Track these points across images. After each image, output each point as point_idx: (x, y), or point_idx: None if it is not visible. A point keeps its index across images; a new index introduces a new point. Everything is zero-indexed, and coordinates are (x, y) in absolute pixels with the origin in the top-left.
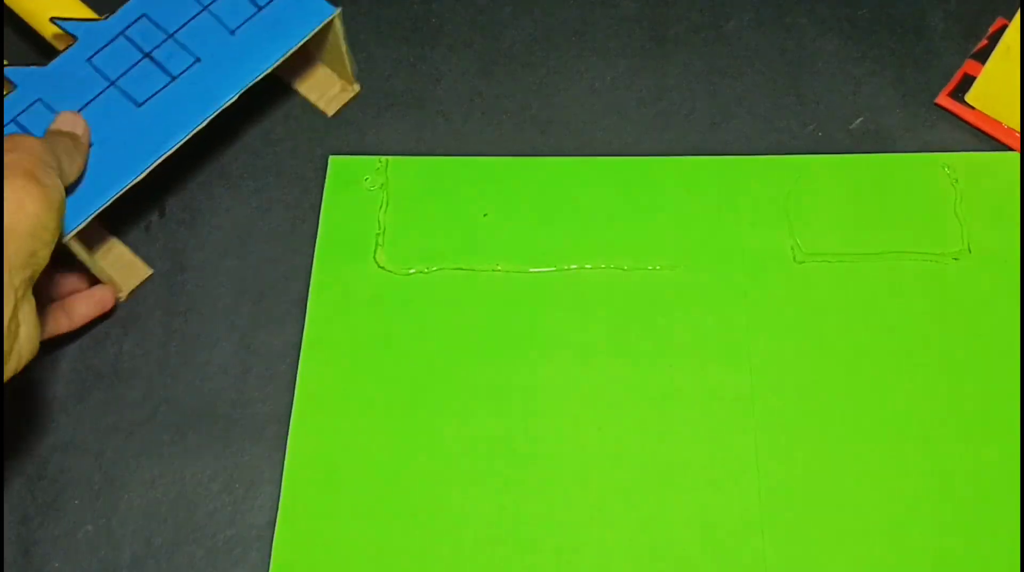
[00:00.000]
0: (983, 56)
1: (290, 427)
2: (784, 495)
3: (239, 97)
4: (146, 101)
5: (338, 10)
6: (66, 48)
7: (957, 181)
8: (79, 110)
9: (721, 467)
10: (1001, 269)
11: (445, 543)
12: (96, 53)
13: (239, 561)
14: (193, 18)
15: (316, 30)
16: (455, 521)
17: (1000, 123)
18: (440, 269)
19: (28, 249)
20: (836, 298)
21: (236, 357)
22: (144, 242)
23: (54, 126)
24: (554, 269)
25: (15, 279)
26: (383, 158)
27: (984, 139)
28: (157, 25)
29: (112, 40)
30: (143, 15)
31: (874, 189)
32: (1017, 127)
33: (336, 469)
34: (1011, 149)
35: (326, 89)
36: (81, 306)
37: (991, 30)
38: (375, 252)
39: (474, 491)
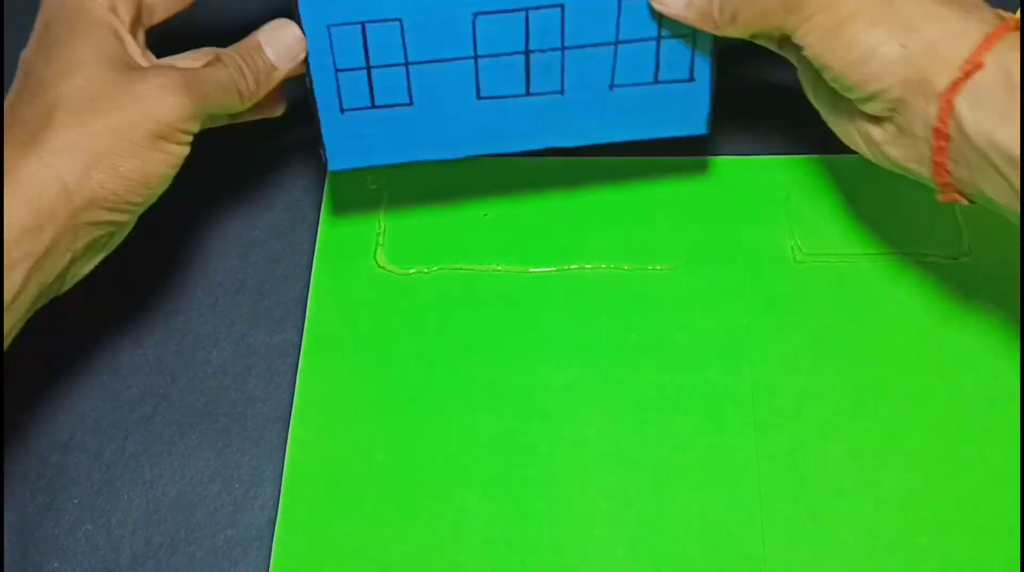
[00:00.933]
0: None
1: (290, 427)
2: (784, 495)
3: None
4: (488, 98)
5: (707, 132)
6: None
7: None
8: (423, 62)
9: (721, 467)
10: (1001, 270)
11: (445, 543)
12: (486, 13)
13: (239, 561)
14: (594, 46)
15: (676, 135)
16: (455, 520)
17: None
18: (440, 269)
19: (89, 219)
20: (836, 298)
21: (236, 357)
22: (143, 241)
23: (257, 38)
24: (554, 269)
25: (75, 243)
26: None
27: None
28: (562, 25)
29: (511, 10)
30: (561, 5)
31: (874, 189)
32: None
33: (336, 469)
34: None
35: None
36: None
37: None
38: (375, 252)
39: (473, 490)
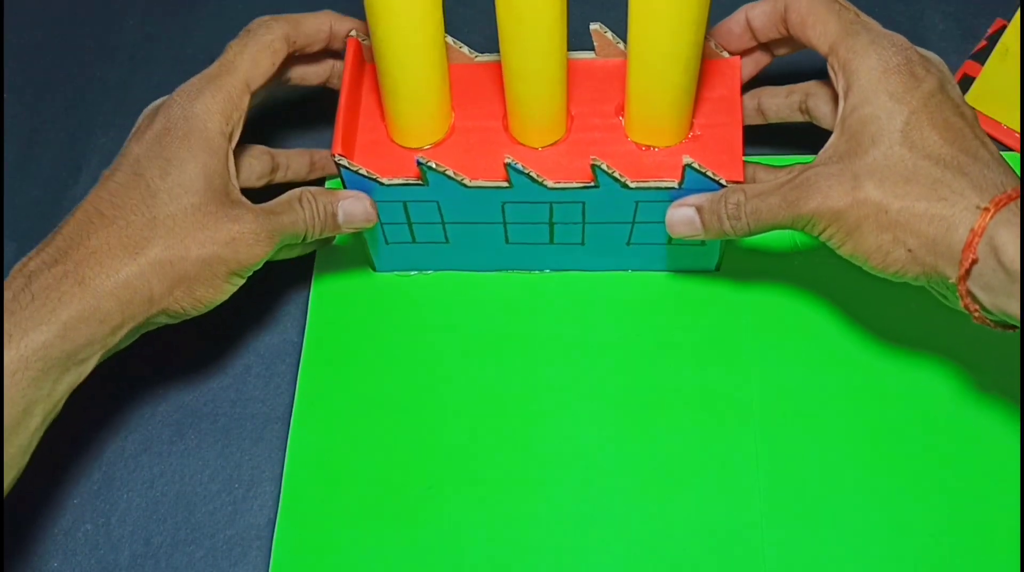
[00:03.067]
0: (982, 57)
1: (291, 427)
2: (784, 495)
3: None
4: (515, 243)
5: (716, 269)
6: (498, 185)
7: None
8: (458, 222)
9: (721, 467)
10: None
11: (444, 542)
12: (515, 203)
13: (239, 561)
14: (613, 222)
15: (688, 269)
16: (453, 519)
17: (999, 124)
18: (440, 270)
19: (155, 321)
20: (835, 298)
21: (236, 357)
22: None
23: (337, 199)
24: (555, 269)
25: (135, 333)
26: None
27: None
28: (583, 212)
29: (536, 202)
30: (583, 202)
31: None
32: (1016, 128)
33: (336, 469)
34: (1010, 150)
35: None
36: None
37: (990, 31)
38: None
39: (473, 490)
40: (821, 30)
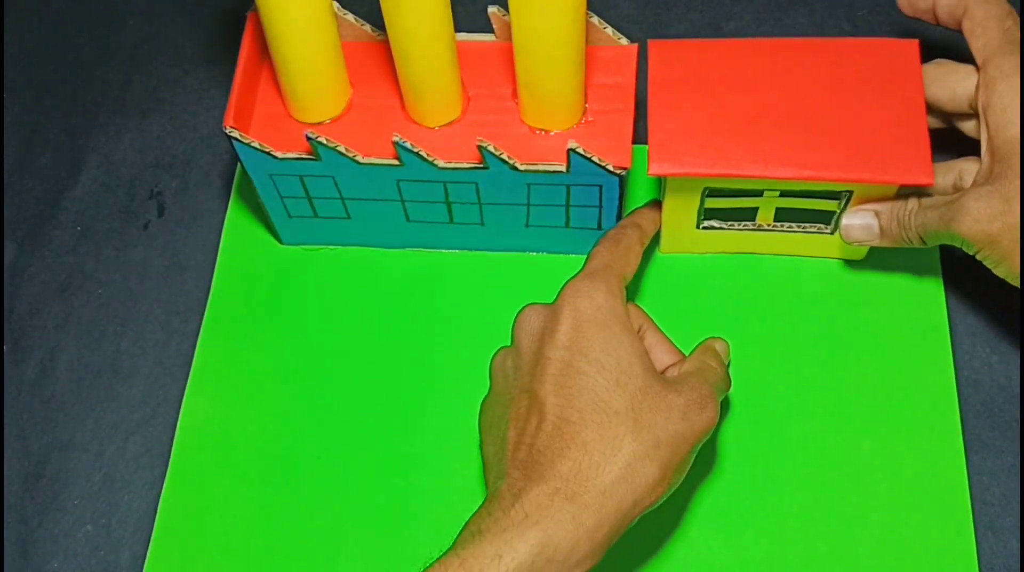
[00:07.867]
0: None
1: (185, 394)
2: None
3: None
4: (416, 222)
5: None
6: (389, 162)
7: None
8: (356, 198)
9: None
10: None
11: (330, 512)
12: (410, 181)
13: None
14: (509, 204)
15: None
16: (341, 491)
17: None
18: (347, 246)
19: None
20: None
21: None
22: (143, 241)
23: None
24: (460, 250)
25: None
26: None
27: None
28: (478, 193)
29: (430, 181)
30: (475, 182)
31: None
32: None
33: (229, 436)
34: None
35: None
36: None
37: None
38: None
39: (362, 463)
40: (982, 43)
